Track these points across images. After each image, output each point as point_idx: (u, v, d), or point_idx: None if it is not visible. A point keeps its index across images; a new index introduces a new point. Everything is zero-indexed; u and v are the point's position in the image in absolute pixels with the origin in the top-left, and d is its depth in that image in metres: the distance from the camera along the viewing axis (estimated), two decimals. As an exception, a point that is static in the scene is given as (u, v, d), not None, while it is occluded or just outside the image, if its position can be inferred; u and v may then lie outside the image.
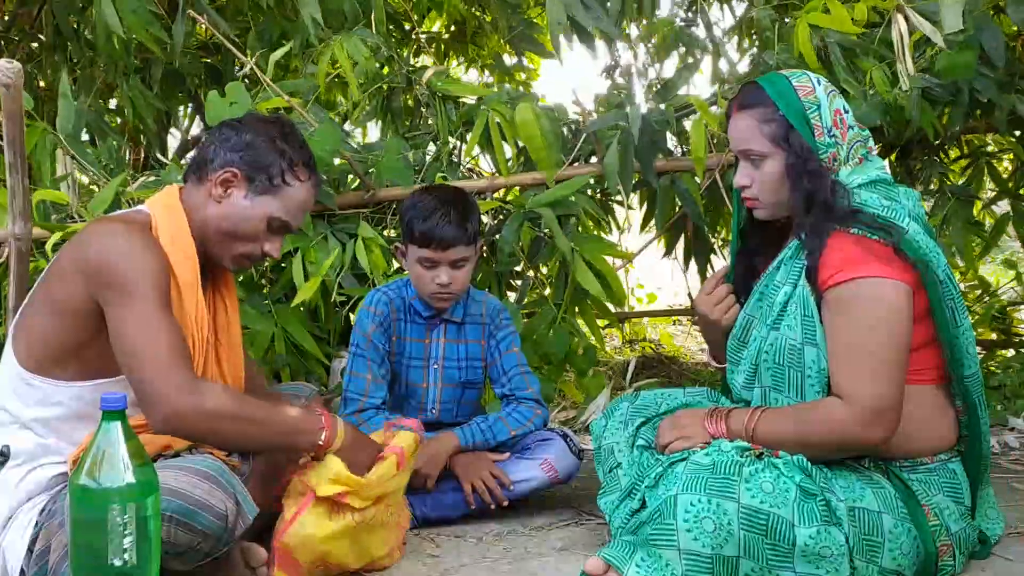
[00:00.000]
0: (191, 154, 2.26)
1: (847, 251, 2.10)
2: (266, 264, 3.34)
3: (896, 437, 2.10)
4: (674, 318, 6.06)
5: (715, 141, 3.45)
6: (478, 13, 5.11)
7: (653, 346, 5.35)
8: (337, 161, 3.30)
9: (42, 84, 4.53)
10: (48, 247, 2.86)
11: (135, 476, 1.73)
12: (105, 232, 2.07)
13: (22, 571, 2.02)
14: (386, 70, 3.80)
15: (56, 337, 2.06)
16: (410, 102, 3.83)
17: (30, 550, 2.01)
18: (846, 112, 2.23)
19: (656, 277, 5.79)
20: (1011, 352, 4.40)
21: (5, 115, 2.39)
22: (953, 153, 3.98)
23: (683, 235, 3.81)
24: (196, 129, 5.19)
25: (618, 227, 3.76)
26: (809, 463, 2.06)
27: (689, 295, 4.42)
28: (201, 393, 2.00)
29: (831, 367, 2.11)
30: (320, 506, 2.15)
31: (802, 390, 2.16)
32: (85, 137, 3.71)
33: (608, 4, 3.49)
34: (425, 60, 5.05)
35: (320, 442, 2.15)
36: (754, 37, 3.84)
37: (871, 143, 2.26)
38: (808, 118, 2.18)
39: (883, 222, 2.10)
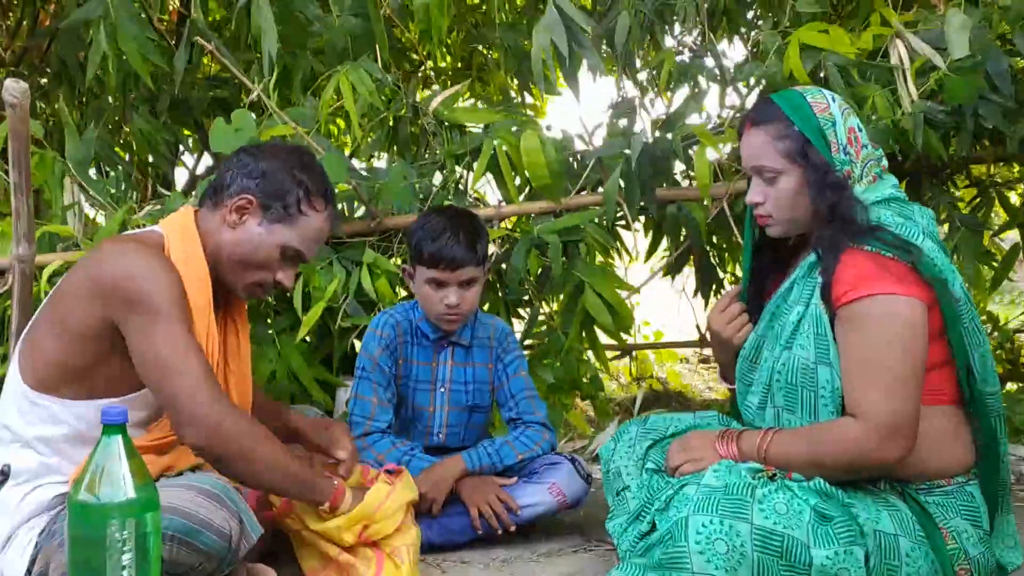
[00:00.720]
0: (211, 178, 2.25)
1: (861, 268, 2.07)
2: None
3: (912, 458, 2.05)
4: (681, 357, 6.03)
5: (722, 170, 3.43)
6: (484, 50, 5.12)
7: (660, 384, 5.31)
8: (338, 189, 3.28)
9: (51, 121, 4.54)
10: (45, 274, 2.83)
11: (135, 491, 1.70)
12: (121, 252, 2.05)
13: (20, 593, 1.99)
14: (393, 102, 3.81)
15: (65, 358, 2.04)
16: (416, 131, 3.82)
17: (29, 571, 1.98)
18: (860, 131, 2.21)
19: (662, 315, 5.76)
20: (1019, 385, 4.35)
21: (11, 135, 2.38)
22: (961, 183, 3.96)
23: (689, 265, 3.79)
24: (203, 166, 5.19)
25: (628, 255, 3.74)
26: (828, 485, 2.02)
27: (697, 327, 4.39)
28: (239, 415, 2.00)
29: (845, 385, 2.07)
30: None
31: (815, 411, 2.12)
32: (92, 171, 3.70)
33: (614, 36, 3.50)
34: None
35: (332, 493, 2.15)
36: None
37: (884, 162, 2.24)
38: (824, 134, 2.16)
39: (899, 240, 2.07)
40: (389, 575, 2.15)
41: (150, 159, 4.34)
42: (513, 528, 2.55)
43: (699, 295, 3.93)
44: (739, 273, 4.07)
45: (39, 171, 3.02)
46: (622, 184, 3.34)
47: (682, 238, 3.64)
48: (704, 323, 4.31)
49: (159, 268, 2.02)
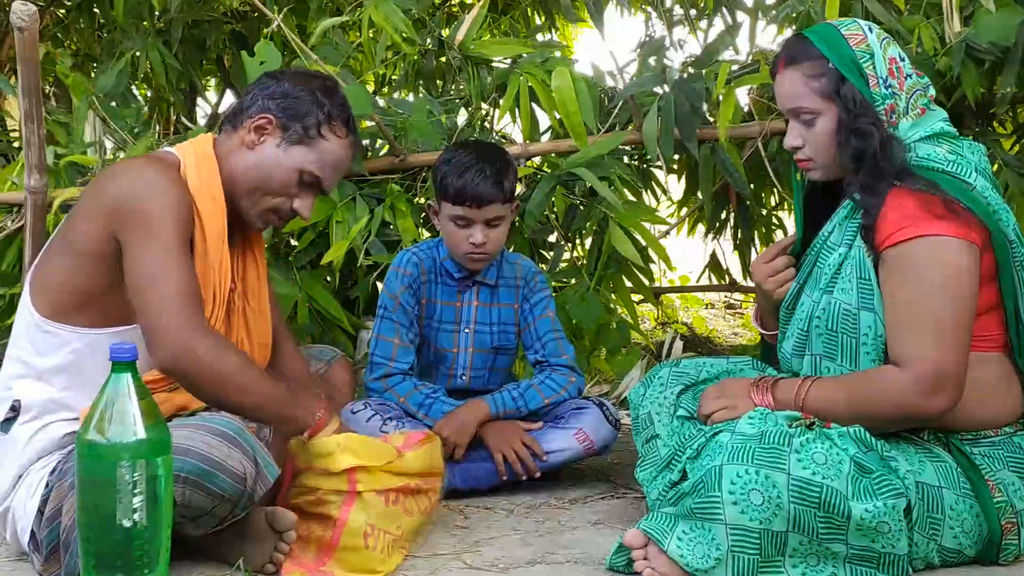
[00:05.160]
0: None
1: (908, 208, 1.97)
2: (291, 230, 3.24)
3: (958, 407, 1.97)
4: (706, 302, 5.95)
5: (754, 110, 3.31)
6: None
7: (686, 328, 5.23)
8: (367, 124, 3.19)
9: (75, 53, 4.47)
10: (56, 204, 2.75)
11: (146, 431, 1.64)
12: (128, 168, 2.02)
13: (32, 533, 1.94)
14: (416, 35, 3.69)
15: (75, 281, 1.99)
16: (441, 66, 3.71)
17: (40, 512, 1.92)
18: (902, 60, 2.09)
19: (687, 262, 5.68)
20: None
21: (20, 60, 2.31)
22: (1009, 126, 3.81)
23: (725, 209, 3.68)
24: (225, 104, 5.11)
25: (664, 192, 3.62)
26: (869, 435, 1.93)
27: (727, 271, 4.29)
28: (212, 336, 1.93)
29: (889, 332, 1.98)
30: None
31: (856, 358, 2.03)
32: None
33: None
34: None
35: (313, 423, 2.02)
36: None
37: (932, 91, 2.12)
38: (861, 68, 2.04)
39: (950, 177, 1.96)
40: (359, 508, 1.99)
41: (170, 98, 4.26)
42: (538, 474, 2.49)
43: (732, 240, 3.82)
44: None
45: (75, 94, 2.96)
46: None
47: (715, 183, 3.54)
48: (735, 268, 4.27)
49: (164, 184, 1.96)
